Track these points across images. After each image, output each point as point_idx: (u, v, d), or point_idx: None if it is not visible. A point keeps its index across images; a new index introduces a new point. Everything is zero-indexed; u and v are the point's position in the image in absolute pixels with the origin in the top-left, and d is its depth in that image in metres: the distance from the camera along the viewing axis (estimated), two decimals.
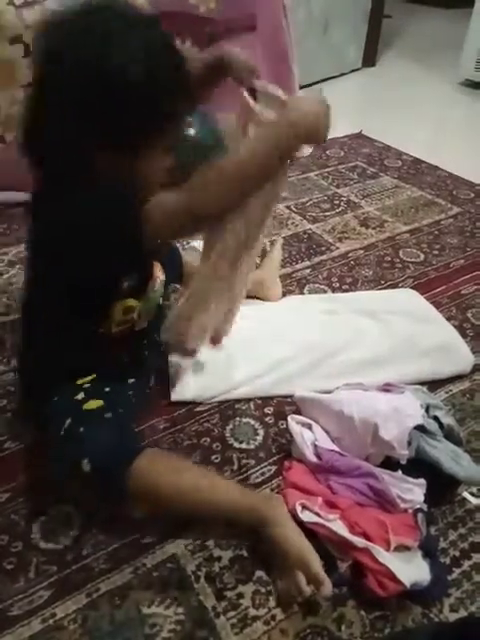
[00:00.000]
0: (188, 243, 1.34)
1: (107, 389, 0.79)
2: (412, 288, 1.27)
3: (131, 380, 0.87)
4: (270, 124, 0.70)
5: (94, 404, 0.75)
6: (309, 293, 1.26)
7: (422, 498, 0.76)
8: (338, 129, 2.12)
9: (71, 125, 0.62)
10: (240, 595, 0.71)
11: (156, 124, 0.65)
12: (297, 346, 1.05)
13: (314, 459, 0.82)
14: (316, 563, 0.68)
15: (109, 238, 0.66)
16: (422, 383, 0.98)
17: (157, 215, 0.65)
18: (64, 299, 0.75)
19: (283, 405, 0.97)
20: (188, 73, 0.67)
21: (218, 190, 0.66)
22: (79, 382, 0.79)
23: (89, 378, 0.79)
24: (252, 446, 0.90)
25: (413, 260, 1.39)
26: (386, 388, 0.91)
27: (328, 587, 0.66)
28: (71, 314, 0.76)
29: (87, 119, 0.62)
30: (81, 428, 0.71)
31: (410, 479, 0.77)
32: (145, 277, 0.82)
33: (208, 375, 0.99)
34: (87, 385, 0.78)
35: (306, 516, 0.74)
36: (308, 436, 0.85)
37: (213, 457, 0.87)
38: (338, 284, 1.29)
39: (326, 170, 1.85)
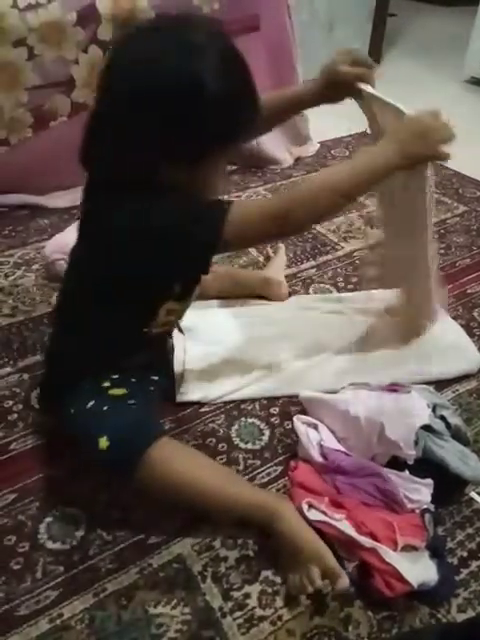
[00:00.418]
0: None
1: (133, 380, 0.82)
2: None
3: (154, 377, 0.89)
4: (379, 145, 0.73)
5: (119, 391, 0.78)
6: (314, 293, 1.25)
7: (429, 498, 0.76)
8: (342, 128, 2.11)
9: (142, 135, 0.63)
10: (247, 595, 0.70)
11: (228, 136, 0.67)
12: (303, 346, 1.05)
13: (320, 459, 0.82)
14: (331, 557, 0.68)
15: (189, 243, 0.67)
16: (429, 383, 0.97)
17: (238, 224, 0.67)
18: (118, 298, 0.76)
19: (289, 405, 0.97)
20: (256, 86, 0.67)
21: (308, 205, 0.69)
22: (108, 373, 0.81)
23: (117, 376, 0.82)
24: (258, 446, 0.90)
25: None
26: (392, 388, 0.90)
27: (345, 580, 0.67)
28: (120, 313, 0.77)
29: (160, 129, 0.63)
30: (105, 407, 0.74)
31: (417, 479, 0.77)
32: (196, 281, 0.84)
33: (213, 375, 0.99)
34: (115, 375, 0.81)
35: (313, 514, 0.74)
36: (314, 436, 0.85)
37: (219, 457, 0.87)
38: (343, 284, 1.29)
39: None
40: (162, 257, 0.69)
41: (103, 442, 0.69)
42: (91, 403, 0.75)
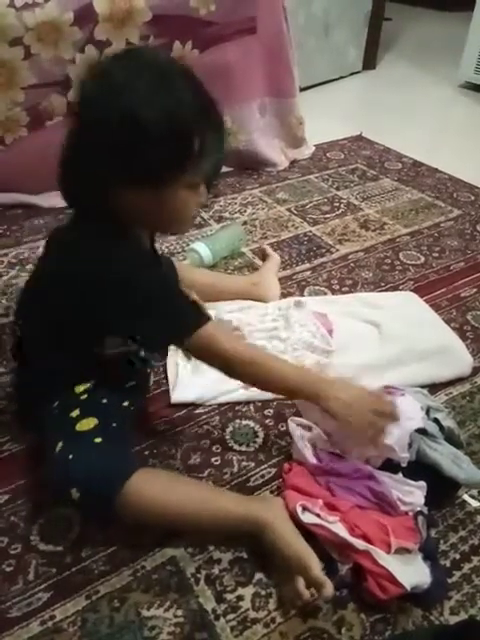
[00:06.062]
0: (188, 245, 1.34)
1: (104, 401, 0.80)
2: (412, 291, 1.27)
3: (130, 383, 0.87)
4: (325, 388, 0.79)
5: (87, 424, 0.75)
6: (309, 295, 1.26)
7: (422, 501, 0.76)
8: (338, 131, 2.12)
9: (98, 161, 0.67)
10: (240, 597, 0.70)
11: (175, 160, 0.68)
12: (296, 349, 1.05)
13: (314, 461, 0.82)
14: (315, 566, 0.68)
15: (160, 325, 0.74)
16: (422, 386, 0.97)
17: (203, 339, 0.74)
18: (65, 324, 0.77)
19: (283, 407, 0.97)
20: (218, 113, 0.71)
21: (244, 374, 0.79)
22: (78, 389, 0.80)
23: (88, 385, 0.81)
24: (252, 448, 0.90)
25: (413, 262, 1.39)
26: (386, 391, 0.90)
27: (329, 589, 0.66)
28: (70, 336, 0.78)
29: (112, 156, 0.67)
30: (70, 455, 0.71)
31: (410, 482, 0.77)
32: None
33: (208, 377, 0.99)
34: (84, 396, 0.80)
35: (307, 517, 0.74)
36: (308, 438, 0.85)
37: (213, 459, 0.87)
38: (338, 286, 1.29)
39: (326, 172, 1.85)
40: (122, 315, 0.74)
41: (74, 493, 0.69)
42: (60, 445, 0.73)
